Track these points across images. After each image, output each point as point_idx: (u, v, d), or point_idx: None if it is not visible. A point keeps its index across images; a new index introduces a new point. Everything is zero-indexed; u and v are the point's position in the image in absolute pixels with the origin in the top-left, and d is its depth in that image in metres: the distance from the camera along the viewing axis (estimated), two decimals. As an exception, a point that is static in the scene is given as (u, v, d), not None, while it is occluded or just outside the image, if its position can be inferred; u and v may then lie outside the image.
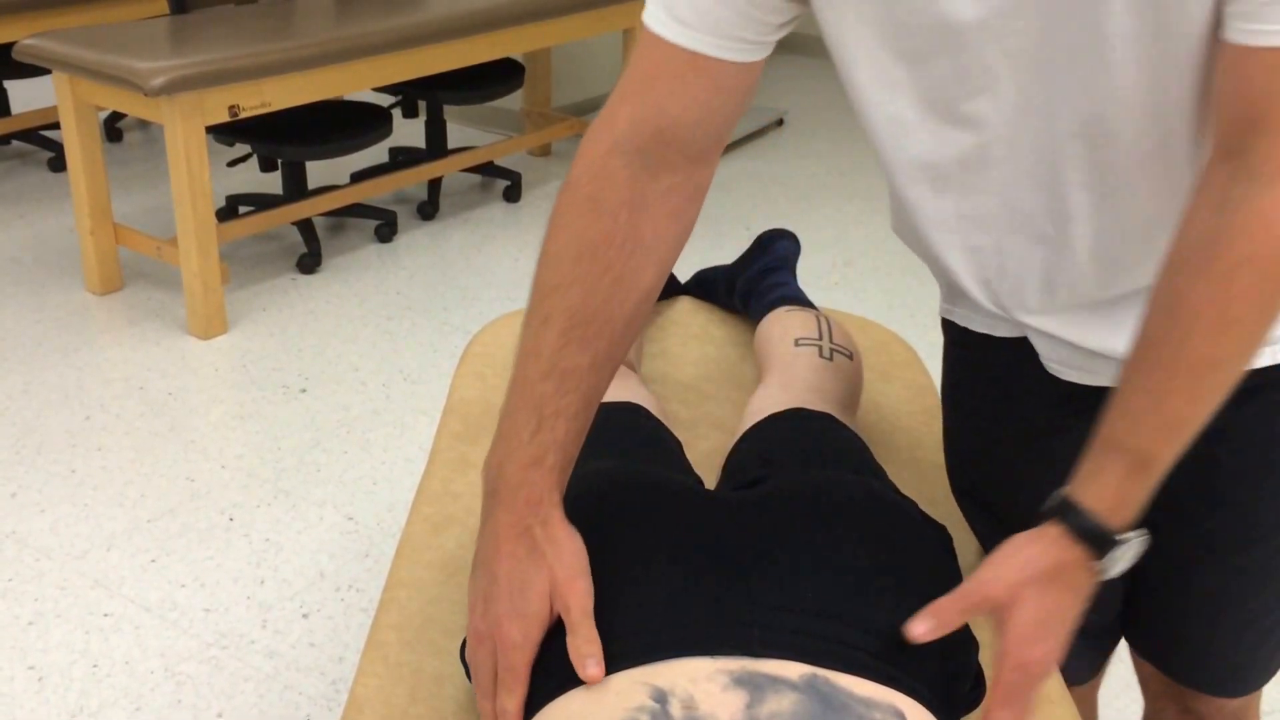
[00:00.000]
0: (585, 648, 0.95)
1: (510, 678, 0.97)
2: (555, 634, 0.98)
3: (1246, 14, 0.89)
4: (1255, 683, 1.32)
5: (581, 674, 0.94)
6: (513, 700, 0.97)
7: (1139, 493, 0.97)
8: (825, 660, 0.93)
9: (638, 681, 0.91)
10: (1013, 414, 1.29)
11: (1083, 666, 1.37)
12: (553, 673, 0.96)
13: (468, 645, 1.02)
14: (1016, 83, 1.01)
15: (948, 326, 1.34)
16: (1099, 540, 0.96)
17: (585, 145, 1.07)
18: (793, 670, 0.92)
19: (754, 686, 0.89)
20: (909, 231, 1.22)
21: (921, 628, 0.97)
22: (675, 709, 0.88)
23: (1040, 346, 1.21)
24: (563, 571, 0.99)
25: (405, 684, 1.14)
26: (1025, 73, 1.00)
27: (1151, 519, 1.26)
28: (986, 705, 0.96)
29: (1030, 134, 1.04)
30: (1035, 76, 1.00)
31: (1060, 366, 1.20)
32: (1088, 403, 1.18)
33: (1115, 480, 0.97)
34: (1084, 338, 1.16)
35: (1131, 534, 0.97)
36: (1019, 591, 0.96)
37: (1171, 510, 1.22)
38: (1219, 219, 0.93)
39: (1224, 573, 1.23)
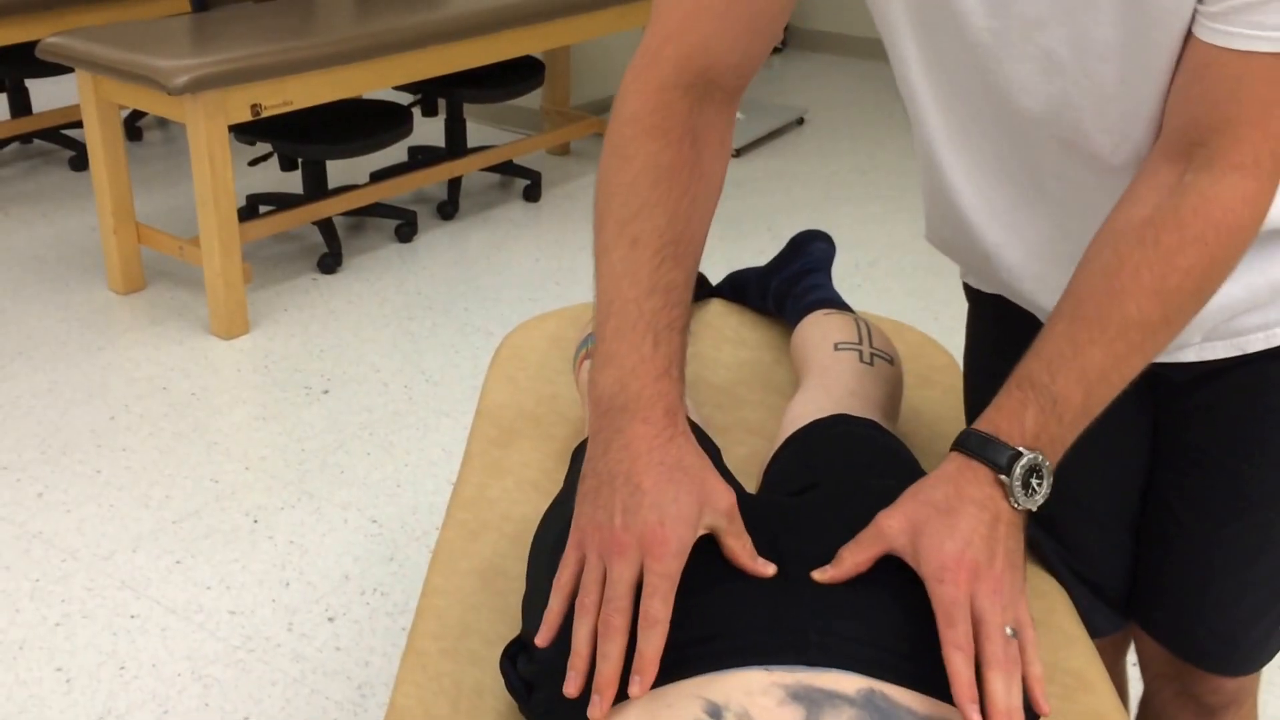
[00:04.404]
0: (744, 547, 0.99)
1: (666, 584, 0.94)
2: None
3: (1216, 14, 0.93)
4: (1250, 662, 1.33)
5: (751, 569, 0.98)
6: (665, 607, 0.93)
7: (1043, 428, 0.98)
8: (882, 672, 0.92)
9: (691, 695, 0.89)
10: None
11: (1100, 619, 1.38)
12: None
13: (591, 561, 0.97)
14: (1013, 85, 1.06)
15: (966, 289, 1.40)
16: (996, 453, 0.97)
17: (634, 82, 1.10)
18: (849, 684, 0.90)
19: (810, 702, 0.88)
20: (943, 219, 1.25)
21: (823, 574, 0.99)
22: None
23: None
24: (713, 480, 1.00)
25: (446, 695, 1.12)
26: (1024, 75, 1.05)
27: (1157, 487, 1.29)
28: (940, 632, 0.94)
29: (1010, 132, 1.10)
30: (1030, 81, 1.04)
31: None
32: None
33: (1016, 408, 0.98)
34: None
35: (1035, 453, 0.97)
36: (919, 524, 0.97)
37: (1171, 477, 1.27)
38: (1171, 200, 0.97)
39: (1214, 542, 1.25)
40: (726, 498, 1.00)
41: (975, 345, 1.43)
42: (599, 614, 0.95)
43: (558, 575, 1.00)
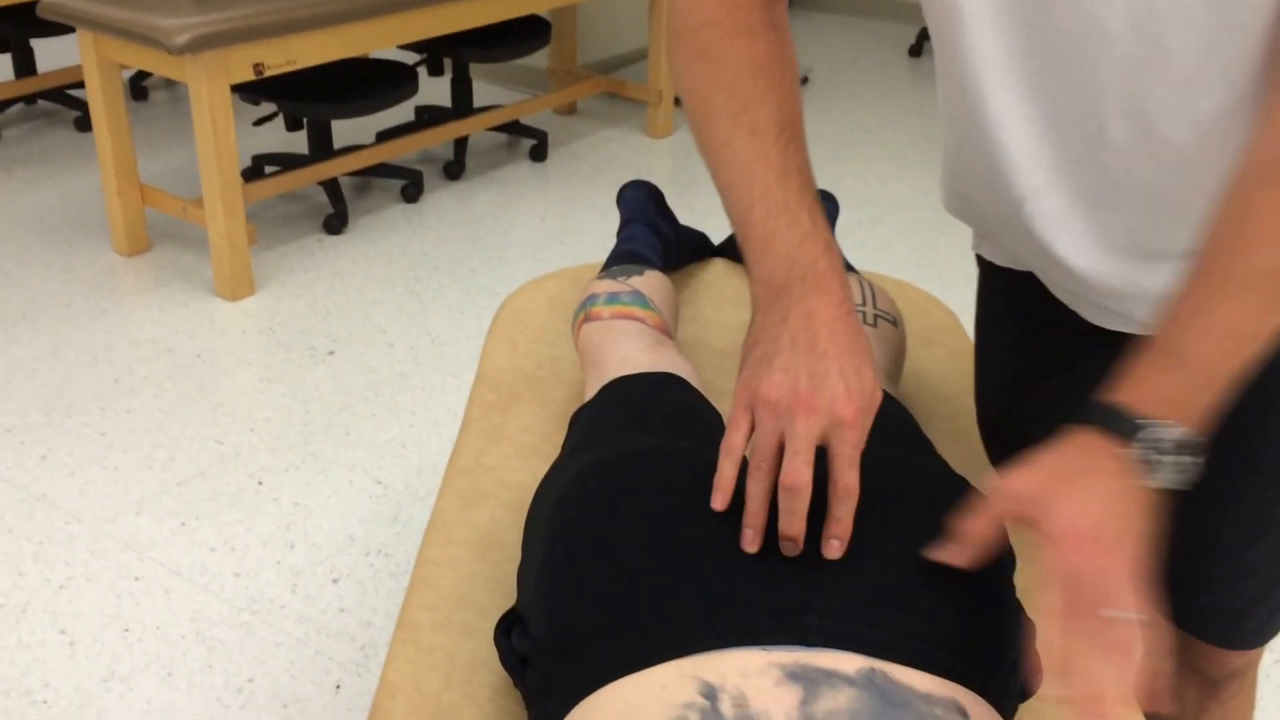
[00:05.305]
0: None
1: (857, 455, 0.95)
2: (601, 619, 0.95)
3: None
4: (1257, 636, 1.30)
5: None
6: (857, 475, 0.94)
7: (1176, 393, 0.90)
8: (884, 652, 0.90)
9: (686, 675, 0.87)
10: (1035, 346, 1.29)
11: None
12: (593, 663, 0.93)
13: (766, 423, 0.95)
14: None
15: (978, 260, 1.36)
16: (1118, 423, 0.89)
17: None
18: (850, 664, 0.88)
19: (809, 682, 0.86)
20: (969, 168, 1.19)
21: (945, 553, 0.94)
22: (725, 706, 0.84)
23: (1055, 275, 1.18)
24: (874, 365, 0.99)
25: (439, 669, 1.11)
26: None
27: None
28: (1047, 639, 0.85)
29: (1076, 54, 1.01)
30: None
31: (1080, 302, 1.18)
32: (1107, 338, 1.18)
33: (1142, 374, 0.91)
34: (1107, 278, 1.13)
35: (1169, 424, 0.89)
36: (1050, 489, 0.89)
37: None
38: None
39: (1222, 517, 1.22)
40: (879, 392, 1.00)
41: (985, 317, 1.40)
42: (775, 473, 0.95)
43: (727, 438, 0.99)
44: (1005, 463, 1.37)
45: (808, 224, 1.00)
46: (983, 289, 1.39)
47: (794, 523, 0.93)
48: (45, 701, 2.04)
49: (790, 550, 0.95)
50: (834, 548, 0.95)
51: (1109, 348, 1.20)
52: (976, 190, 1.20)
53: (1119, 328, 1.16)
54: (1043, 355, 1.28)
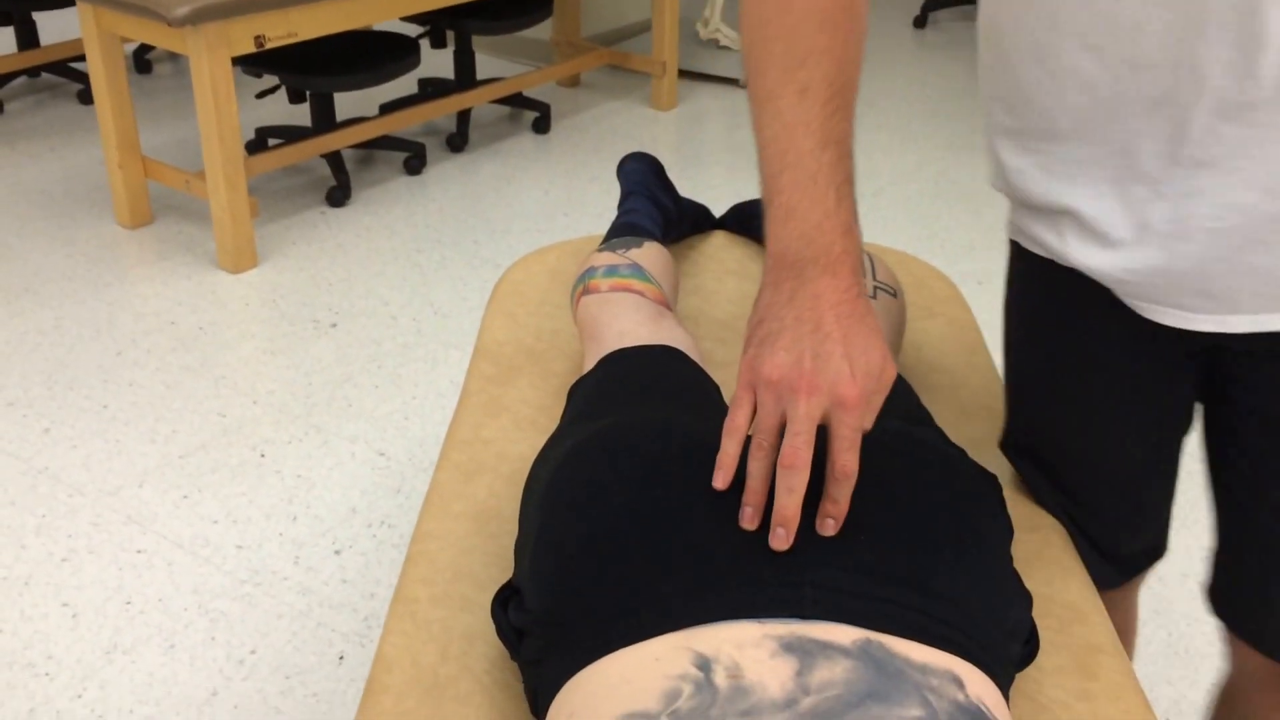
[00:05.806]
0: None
1: (858, 438, 0.94)
2: (596, 592, 0.95)
3: None
4: None
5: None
6: (856, 461, 0.94)
7: None
8: (880, 623, 0.89)
9: (680, 647, 0.87)
10: (1070, 338, 1.23)
11: (1098, 573, 1.33)
12: (589, 635, 0.93)
13: (768, 403, 0.95)
14: None
15: (1012, 246, 1.29)
16: None
17: None
18: (845, 635, 0.87)
19: (804, 653, 0.85)
20: (1040, 113, 1.11)
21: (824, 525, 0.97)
22: (720, 677, 0.84)
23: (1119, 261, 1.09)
24: (887, 348, 0.98)
25: (436, 642, 1.11)
26: None
27: (1222, 466, 1.21)
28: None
29: None
30: None
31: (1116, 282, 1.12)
32: (1143, 329, 1.13)
33: None
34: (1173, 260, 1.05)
35: None
36: None
37: (1240, 456, 1.18)
38: None
39: None
40: (892, 370, 0.99)
41: (1017, 304, 1.32)
42: (775, 452, 0.95)
43: (730, 417, 0.99)
44: (1035, 462, 1.31)
45: (832, 203, 0.98)
46: (1015, 276, 1.31)
47: (791, 501, 0.93)
48: (47, 674, 2.05)
49: (780, 542, 0.94)
50: (829, 526, 0.95)
51: (1144, 341, 1.15)
52: (1043, 137, 1.10)
53: (1156, 318, 1.11)
54: (1077, 348, 1.22)
